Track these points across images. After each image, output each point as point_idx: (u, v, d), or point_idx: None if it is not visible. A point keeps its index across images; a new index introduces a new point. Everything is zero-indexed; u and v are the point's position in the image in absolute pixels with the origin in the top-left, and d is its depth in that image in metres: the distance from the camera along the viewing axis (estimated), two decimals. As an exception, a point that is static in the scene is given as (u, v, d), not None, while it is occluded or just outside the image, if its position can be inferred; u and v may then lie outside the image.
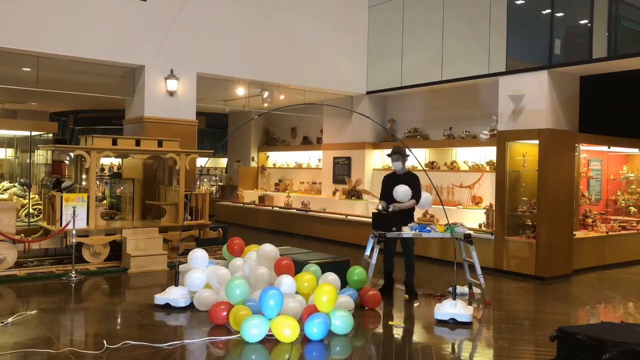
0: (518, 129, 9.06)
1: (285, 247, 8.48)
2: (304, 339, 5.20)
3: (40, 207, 10.47)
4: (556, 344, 4.61)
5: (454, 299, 6.03)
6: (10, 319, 5.57)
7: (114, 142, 8.73)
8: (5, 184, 12.16)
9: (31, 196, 11.22)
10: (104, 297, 7.06)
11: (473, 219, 9.93)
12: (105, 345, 4.84)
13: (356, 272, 6.74)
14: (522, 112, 9.02)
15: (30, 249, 8.07)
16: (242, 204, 15.46)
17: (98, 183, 9.36)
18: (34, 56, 8.97)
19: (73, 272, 7.63)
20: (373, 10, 12.16)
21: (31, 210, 10.92)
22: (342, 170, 13.17)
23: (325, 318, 5.26)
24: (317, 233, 12.47)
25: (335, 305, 5.58)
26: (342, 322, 5.40)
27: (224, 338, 5.24)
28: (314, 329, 5.17)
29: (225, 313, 5.56)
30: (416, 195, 7.20)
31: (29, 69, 10.06)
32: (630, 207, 10.67)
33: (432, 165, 11.30)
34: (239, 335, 5.19)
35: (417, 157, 8.20)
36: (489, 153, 10.15)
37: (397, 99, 12.48)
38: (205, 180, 18.95)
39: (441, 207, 7.33)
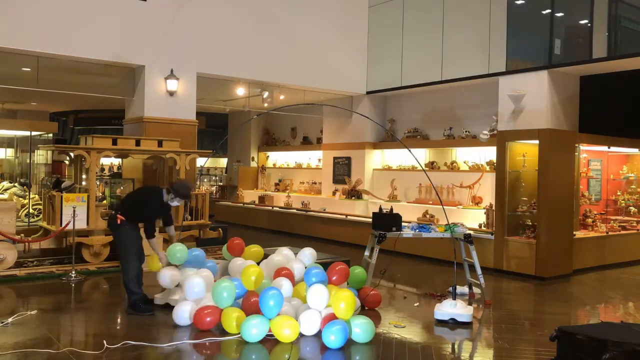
0: (518, 129, 9.06)
1: (285, 247, 8.46)
2: (302, 339, 5.20)
3: (40, 207, 10.47)
4: (556, 344, 4.61)
5: (454, 299, 6.03)
6: (10, 319, 5.57)
7: (114, 142, 8.73)
8: (5, 184, 12.16)
9: (31, 196, 11.22)
10: (104, 297, 7.06)
11: (473, 219, 9.92)
12: (105, 345, 4.84)
13: (356, 272, 6.73)
14: (522, 112, 9.02)
15: (30, 249, 8.07)
16: (242, 204, 15.46)
17: (98, 183, 9.36)
18: (34, 56, 8.97)
19: (73, 272, 7.63)
20: (373, 10, 12.16)
21: (31, 210, 10.92)
22: (342, 170, 13.17)
23: (343, 325, 5.07)
24: (317, 233, 12.47)
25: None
26: (362, 329, 5.19)
27: (224, 338, 5.24)
28: (332, 337, 4.97)
29: (209, 318, 5.36)
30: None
31: (29, 69, 10.06)
32: (630, 207, 10.67)
33: (432, 165, 11.30)
34: (239, 335, 5.19)
35: (417, 157, 8.18)
36: (489, 153, 10.15)
37: (397, 99, 12.48)
38: (205, 180, 18.95)
39: (441, 207, 7.32)
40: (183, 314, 5.56)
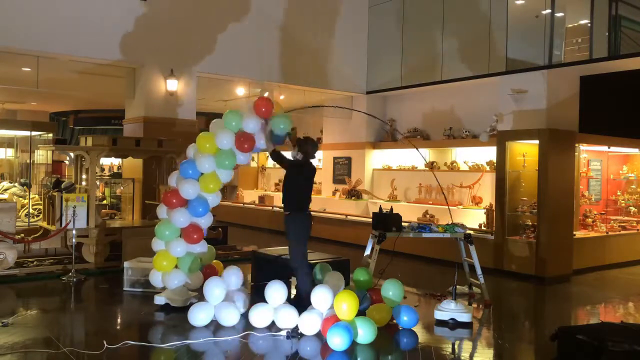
0: (518, 129, 9.05)
1: (285, 247, 8.44)
2: (303, 339, 5.20)
3: (40, 207, 10.46)
4: (556, 344, 4.62)
5: (454, 299, 6.03)
6: (10, 319, 5.57)
7: (114, 142, 8.72)
8: (5, 184, 12.16)
9: (31, 196, 11.21)
10: (104, 297, 7.05)
11: (473, 219, 9.92)
12: (105, 345, 4.83)
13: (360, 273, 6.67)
14: (522, 112, 9.02)
15: (30, 249, 8.06)
16: (242, 204, 15.45)
17: (98, 183, 9.35)
18: (34, 56, 8.97)
19: (73, 272, 7.63)
20: (373, 10, 12.16)
21: (31, 210, 10.91)
22: (342, 170, 13.17)
23: (347, 327, 4.97)
24: (317, 233, 12.39)
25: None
26: (365, 331, 5.12)
27: (224, 338, 5.24)
28: (336, 339, 4.88)
29: None
30: None
31: (29, 69, 10.06)
32: (630, 207, 10.66)
33: (432, 165, 11.30)
34: (237, 336, 5.19)
35: (419, 157, 8.18)
36: (489, 153, 10.14)
37: (397, 99, 12.48)
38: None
39: (441, 207, 7.32)
40: None
